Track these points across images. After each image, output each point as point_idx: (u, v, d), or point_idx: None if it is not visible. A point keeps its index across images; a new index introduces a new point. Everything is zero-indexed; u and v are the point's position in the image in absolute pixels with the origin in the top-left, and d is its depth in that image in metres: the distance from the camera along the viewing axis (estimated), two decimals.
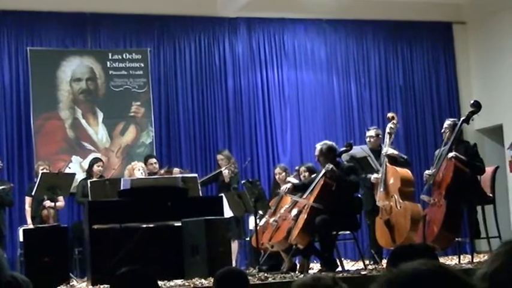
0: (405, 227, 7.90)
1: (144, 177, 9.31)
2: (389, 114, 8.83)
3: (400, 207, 8.00)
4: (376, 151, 8.69)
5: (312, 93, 11.91)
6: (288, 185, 8.17)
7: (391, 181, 8.18)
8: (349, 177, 7.74)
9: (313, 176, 8.26)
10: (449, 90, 12.50)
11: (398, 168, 8.23)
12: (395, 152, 8.52)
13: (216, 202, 8.28)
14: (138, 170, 9.40)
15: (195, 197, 8.57)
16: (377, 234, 8.30)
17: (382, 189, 8.20)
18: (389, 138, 8.55)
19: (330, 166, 7.69)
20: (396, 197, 8.06)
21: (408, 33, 12.49)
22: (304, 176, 8.71)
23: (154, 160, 10.23)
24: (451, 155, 7.73)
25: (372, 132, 9.06)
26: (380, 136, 8.93)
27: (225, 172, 9.93)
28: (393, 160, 8.38)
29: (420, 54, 12.51)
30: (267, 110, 11.68)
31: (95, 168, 9.84)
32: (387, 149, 8.40)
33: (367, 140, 9.03)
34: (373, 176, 8.45)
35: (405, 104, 12.23)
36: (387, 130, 8.58)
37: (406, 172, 8.27)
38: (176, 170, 10.06)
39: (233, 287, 3.68)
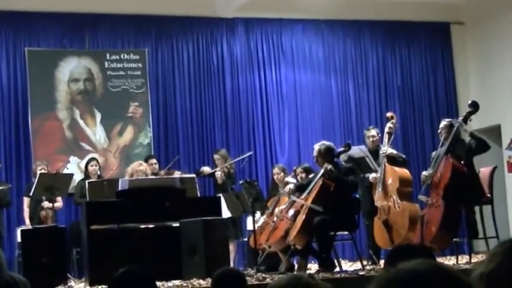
0: (403, 227, 7.88)
1: (142, 177, 9.28)
2: (389, 114, 8.79)
3: (399, 207, 7.96)
4: (375, 151, 8.66)
5: (310, 94, 11.91)
6: (291, 186, 8.17)
7: (389, 181, 8.14)
8: (348, 178, 7.75)
9: (311, 176, 8.26)
10: (447, 90, 12.49)
11: (397, 168, 8.19)
12: (394, 152, 8.48)
13: (214, 202, 8.29)
14: (137, 177, 9.33)
15: (193, 198, 8.56)
16: (375, 234, 8.27)
17: (380, 189, 8.17)
18: (389, 137, 8.50)
19: (328, 166, 7.69)
20: (394, 197, 8.03)
21: (406, 33, 12.48)
22: (301, 177, 8.69)
23: (154, 160, 10.22)
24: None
25: (373, 131, 9.02)
26: (380, 136, 8.90)
27: (217, 174, 9.92)
28: (392, 160, 8.35)
29: (418, 54, 12.50)
30: (265, 110, 11.67)
31: (90, 168, 9.86)
32: (386, 149, 8.37)
33: (369, 140, 8.96)
34: (372, 176, 8.41)
35: (403, 104, 12.22)
36: (386, 130, 8.54)
37: (404, 172, 8.23)
38: (177, 172, 10.02)
39: None
